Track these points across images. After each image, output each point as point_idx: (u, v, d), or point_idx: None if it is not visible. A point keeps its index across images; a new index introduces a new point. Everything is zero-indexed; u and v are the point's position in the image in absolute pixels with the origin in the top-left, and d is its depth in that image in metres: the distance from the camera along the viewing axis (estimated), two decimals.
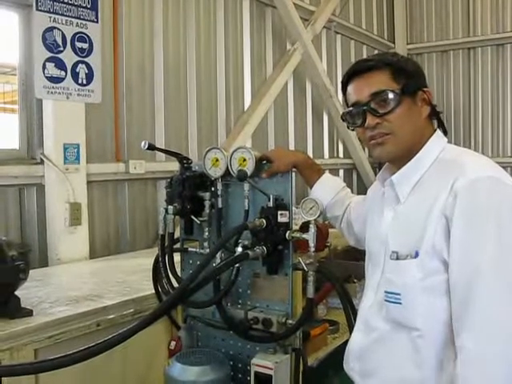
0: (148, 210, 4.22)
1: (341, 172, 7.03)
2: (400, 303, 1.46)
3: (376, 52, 7.07)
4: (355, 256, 4.19)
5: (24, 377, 2.05)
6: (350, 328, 1.97)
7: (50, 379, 2.14)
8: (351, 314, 2.02)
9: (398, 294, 1.47)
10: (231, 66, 5.19)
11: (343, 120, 1.63)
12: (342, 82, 1.63)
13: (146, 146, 2.15)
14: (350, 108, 1.58)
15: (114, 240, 3.98)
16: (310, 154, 6.34)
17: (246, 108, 5.38)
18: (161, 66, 4.40)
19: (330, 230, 3.18)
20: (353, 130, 1.64)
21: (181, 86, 4.62)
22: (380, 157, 1.57)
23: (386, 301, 1.51)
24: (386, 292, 1.51)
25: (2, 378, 2.03)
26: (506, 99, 7.60)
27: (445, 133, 1.62)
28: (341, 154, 7.10)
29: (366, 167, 7.12)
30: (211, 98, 4.95)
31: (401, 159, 1.55)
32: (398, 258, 1.48)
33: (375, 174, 6.50)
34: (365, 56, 5.60)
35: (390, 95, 1.50)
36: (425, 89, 1.56)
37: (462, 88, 7.92)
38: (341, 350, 1.75)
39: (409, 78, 1.53)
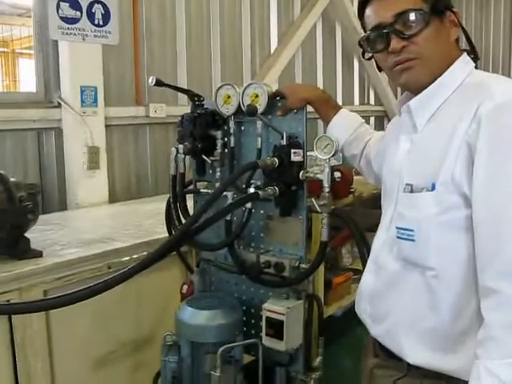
0: (170, 155, 4.13)
1: (372, 119, 6.81)
2: (413, 240, 1.33)
3: None
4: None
5: (35, 317, 2.05)
6: None
7: (61, 320, 2.13)
8: None
9: (411, 230, 1.33)
10: (256, 7, 4.98)
11: (360, 46, 1.47)
12: (359, 3, 1.45)
13: (154, 82, 2.06)
14: (369, 32, 1.41)
15: (135, 185, 3.93)
16: (340, 100, 6.12)
17: (272, 51, 5.19)
18: (182, 6, 4.24)
19: (355, 177, 3.07)
20: (369, 59, 1.49)
21: (203, 28, 4.45)
22: (407, 83, 1.41)
23: (398, 238, 1.38)
24: (397, 228, 1.38)
25: (12, 317, 2.03)
26: None
27: (475, 59, 1.45)
28: (372, 101, 6.85)
29: None
30: (235, 41, 4.78)
31: (427, 86, 1.39)
32: (412, 191, 1.34)
33: None
34: None
35: (418, 15, 1.33)
36: (454, 9, 1.39)
37: (503, 33, 7.54)
38: None
39: None
